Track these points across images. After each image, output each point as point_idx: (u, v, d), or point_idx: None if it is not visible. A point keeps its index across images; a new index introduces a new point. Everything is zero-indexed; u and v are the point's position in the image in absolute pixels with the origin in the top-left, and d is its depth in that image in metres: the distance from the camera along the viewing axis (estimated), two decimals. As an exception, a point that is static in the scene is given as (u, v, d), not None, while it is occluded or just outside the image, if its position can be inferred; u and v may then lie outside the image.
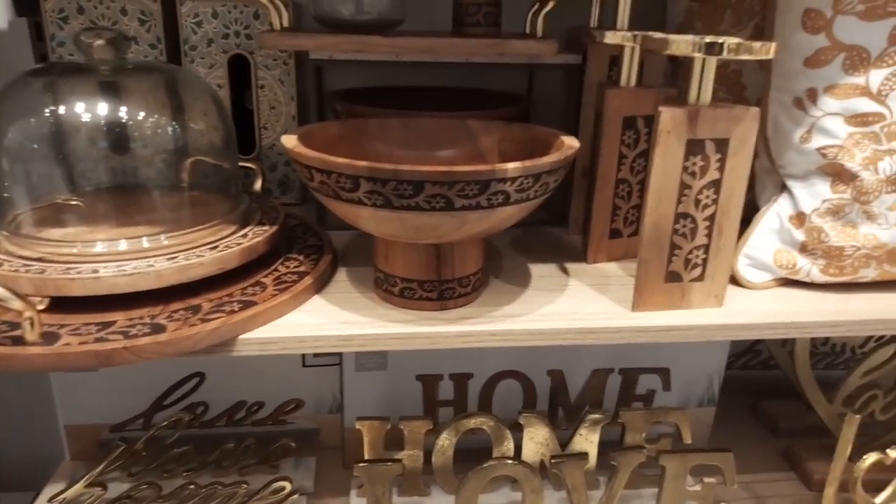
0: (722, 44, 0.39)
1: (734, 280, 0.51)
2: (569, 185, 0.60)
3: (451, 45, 0.56)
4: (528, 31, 0.59)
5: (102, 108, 0.47)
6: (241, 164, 0.54)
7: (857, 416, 0.55)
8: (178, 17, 0.62)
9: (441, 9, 0.63)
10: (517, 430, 0.57)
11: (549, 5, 0.57)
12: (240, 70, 0.64)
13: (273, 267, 0.49)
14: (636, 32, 0.49)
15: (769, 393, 0.78)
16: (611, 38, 0.50)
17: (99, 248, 0.43)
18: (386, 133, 0.53)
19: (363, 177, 0.38)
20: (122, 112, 0.48)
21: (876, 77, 0.47)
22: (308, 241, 0.54)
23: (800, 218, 0.50)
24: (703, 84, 0.42)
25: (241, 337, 0.41)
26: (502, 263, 0.54)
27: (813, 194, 0.49)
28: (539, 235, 0.61)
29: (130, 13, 0.61)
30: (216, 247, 0.45)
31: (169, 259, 0.43)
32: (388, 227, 0.42)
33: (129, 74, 0.49)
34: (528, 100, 0.70)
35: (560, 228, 0.63)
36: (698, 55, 0.41)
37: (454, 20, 0.61)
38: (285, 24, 0.55)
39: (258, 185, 0.55)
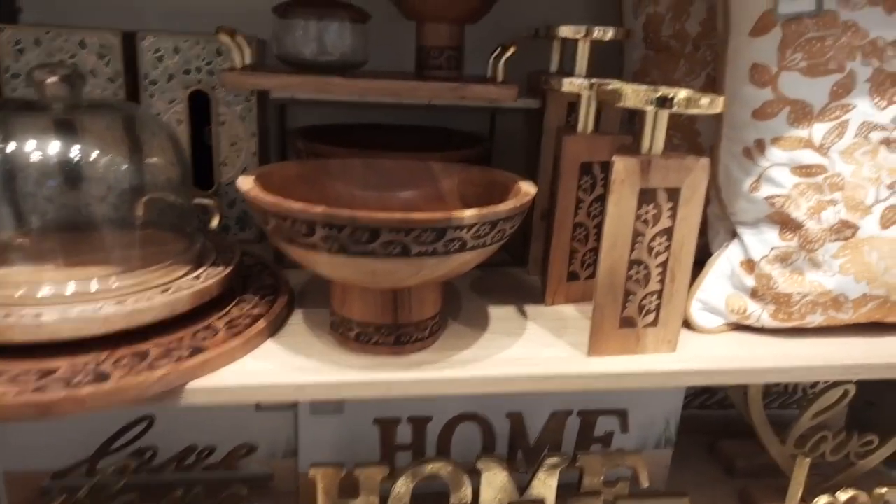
0: (672, 98, 0.40)
1: (687, 324, 0.52)
2: (529, 226, 0.60)
3: (413, 88, 0.56)
4: (489, 75, 0.60)
5: (54, 147, 0.46)
6: (197, 201, 0.54)
7: (807, 460, 0.56)
8: (138, 51, 0.61)
9: (405, 49, 0.64)
10: (476, 474, 0.56)
11: (510, 51, 0.58)
12: (200, 105, 0.63)
13: (226, 309, 0.48)
14: (593, 81, 0.50)
15: (726, 432, 0.79)
16: (568, 86, 0.52)
17: (44, 290, 0.42)
18: (346, 174, 0.53)
19: (319, 222, 0.38)
20: (75, 151, 0.47)
21: (819, 130, 0.49)
22: (264, 281, 0.53)
23: (750, 264, 0.51)
24: (655, 135, 0.44)
25: (189, 387, 0.40)
26: (461, 305, 0.54)
27: (762, 241, 0.51)
28: (499, 276, 0.61)
29: (89, 46, 0.60)
30: (168, 289, 0.44)
31: (117, 303, 0.41)
32: (343, 272, 0.41)
33: (84, 112, 0.48)
34: (490, 141, 0.71)
35: (520, 268, 0.63)
36: (650, 108, 0.42)
37: (417, 63, 0.62)
38: (247, 62, 0.55)
39: (215, 222, 0.54)
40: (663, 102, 0.41)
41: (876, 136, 0.49)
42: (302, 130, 0.66)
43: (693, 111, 0.40)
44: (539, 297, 0.57)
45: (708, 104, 0.40)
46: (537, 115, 0.60)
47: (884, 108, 0.48)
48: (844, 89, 0.48)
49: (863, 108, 0.48)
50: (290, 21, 0.56)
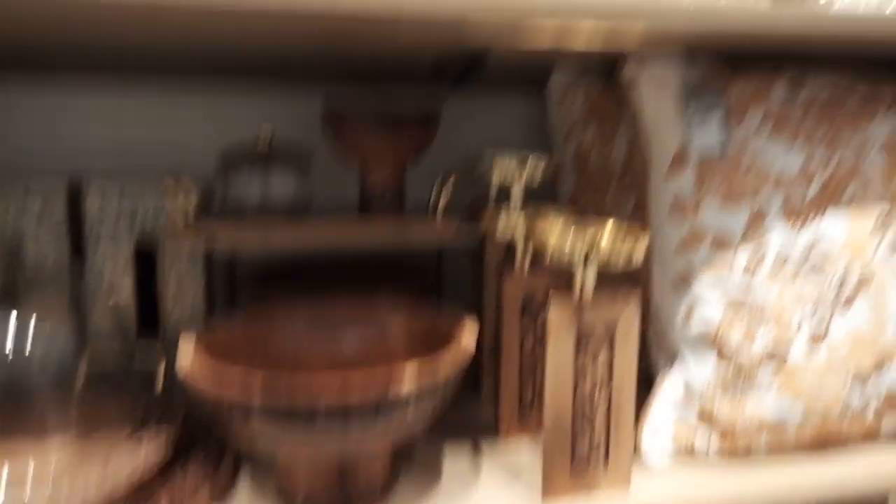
0: (595, 255, 0.43)
1: (638, 453, 0.51)
2: (481, 357, 0.61)
3: (357, 232, 0.58)
4: (430, 209, 0.62)
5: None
6: (138, 367, 0.53)
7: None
8: (83, 199, 0.61)
9: (350, 185, 0.66)
10: None
11: (449, 185, 0.61)
12: (148, 253, 0.63)
13: (169, 474, 0.46)
14: (527, 218, 0.52)
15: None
16: (502, 233, 0.54)
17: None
18: (293, 322, 0.53)
19: (254, 407, 0.38)
20: (11, 324, 0.47)
21: (741, 258, 0.51)
22: (209, 443, 0.51)
23: (692, 393, 0.52)
24: (585, 280, 0.45)
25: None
26: (414, 448, 0.54)
27: (701, 370, 0.52)
28: (452, 409, 0.60)
29: (32, 197, 0.60)
30: (107, 467, 0.43)
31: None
32: (284, 447, 0.41)
33: (22, 288, 0.48)
34: (438, 272, 0.72)
35: (475, 394, 0.63)
36: (578, 263, 0.44)
37: (360, 203, 0.63)
38: (192, 206, 0.55)
39: (158, 386, 0.54)
40: (587, 259, 0.43)
41: (793, 261, 0.51)
42: (250, 275, 0.66)
43: (615, 268, 0.43)
44: (494, 430, 0.57)
45: (626, 258, 0.43)
46: (480, 249, 0.62)
47: (798, 233, 0.51)
48: (760, 217, 0.51)
49: (779, 234, 0.51)
50: (234, 170, 0.58)
